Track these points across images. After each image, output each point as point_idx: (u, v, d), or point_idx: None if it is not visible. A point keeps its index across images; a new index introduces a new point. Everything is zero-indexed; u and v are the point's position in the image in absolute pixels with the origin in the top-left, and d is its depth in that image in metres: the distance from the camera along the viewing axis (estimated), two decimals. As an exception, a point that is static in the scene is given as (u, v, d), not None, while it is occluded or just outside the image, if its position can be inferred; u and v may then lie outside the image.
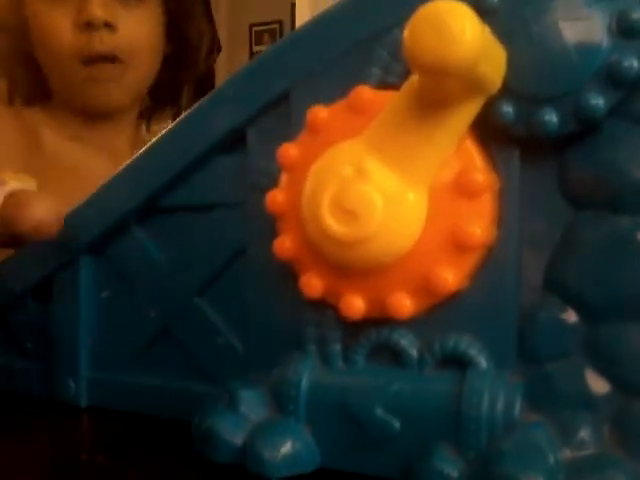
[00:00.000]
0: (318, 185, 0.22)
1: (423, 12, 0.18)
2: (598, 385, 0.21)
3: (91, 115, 0.64)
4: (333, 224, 0.22)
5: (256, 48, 2.16)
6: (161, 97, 0.70)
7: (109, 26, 0.59)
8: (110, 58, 0.60)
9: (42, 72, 0.63)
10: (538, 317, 0.22)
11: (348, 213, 0.21)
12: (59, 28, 0.59)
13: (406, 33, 0.18)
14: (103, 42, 0.59)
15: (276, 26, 1.82)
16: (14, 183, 0.33)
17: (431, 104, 0.21)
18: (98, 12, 0.58)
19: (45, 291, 0.33)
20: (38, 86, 0.65)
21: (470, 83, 0.19)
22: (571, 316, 0.22)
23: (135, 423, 0.30)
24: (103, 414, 0.31)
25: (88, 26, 0.58)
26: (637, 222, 0.21)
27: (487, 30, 0.19)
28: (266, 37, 2.15)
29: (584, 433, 0.21)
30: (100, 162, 0.64)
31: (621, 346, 0.21)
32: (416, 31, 0.18)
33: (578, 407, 0.21)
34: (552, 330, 0.22)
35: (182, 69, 0.69)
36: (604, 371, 0.21)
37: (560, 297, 0.22)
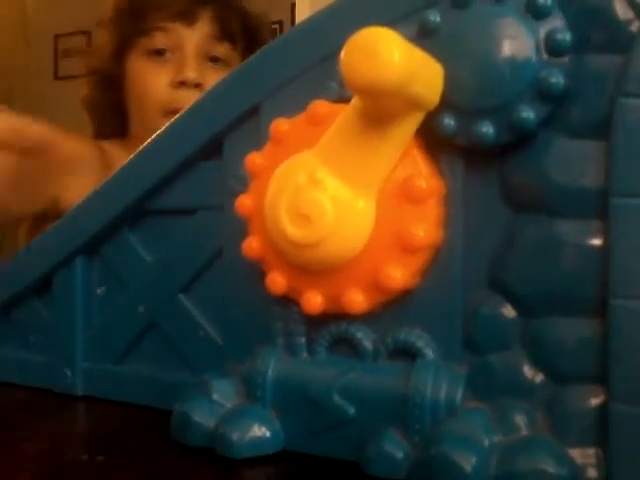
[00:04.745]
0: (277, 191, 0.24)
1: (355, 38, 0.20)
2: (533, 375, 0.23)
3: None
4: (290, 227, 0.24)
5: (256, 48, 2.17)
6: None
7: (198, 86, 0.70)
8: None
9: (124, 116, 0.75)
10: (481, 312, 0.24)
11: (302, 217, 0.23)
12: (157, 84, 0.71)
13: (341, 57, 0.20)
14: (189, 101, 0.70)
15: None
16: None
17: (374, 119, 0.23)
18: (193, 75, 0.69)
19: (46, 288, 0.36)
20: (118, 128, 0.77)
21: (404, 101, 0.21)
22: (510, 311, 0.24)
23: (129, 413, 0.32)
24: (100, 405, 0.33)
25: (181, 85, 0.70)
26: (568, 225, 0.23)
27: (418, 51, 0.21)
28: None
29: (519, 419, 0.23)
30: None
31: (551, 338, 0.23)
32: (350, 56, 0.20)
33: (515, 395, 0.23)
34: (493, 324, 0.24)
35: None
36: (537, 362, 0.23)
37: (500, 294, 0.24)
